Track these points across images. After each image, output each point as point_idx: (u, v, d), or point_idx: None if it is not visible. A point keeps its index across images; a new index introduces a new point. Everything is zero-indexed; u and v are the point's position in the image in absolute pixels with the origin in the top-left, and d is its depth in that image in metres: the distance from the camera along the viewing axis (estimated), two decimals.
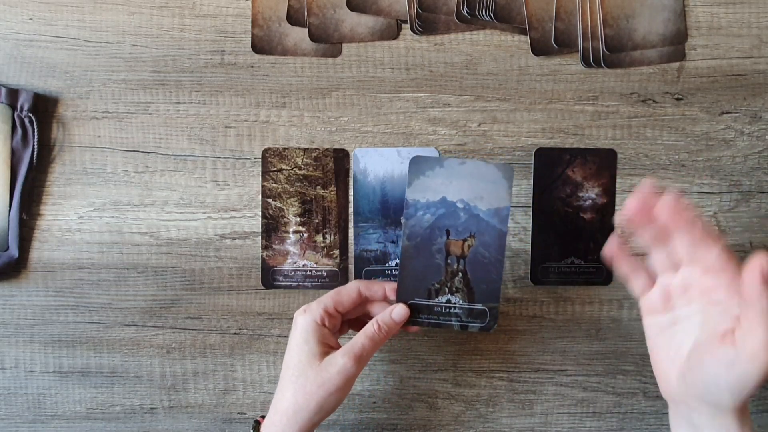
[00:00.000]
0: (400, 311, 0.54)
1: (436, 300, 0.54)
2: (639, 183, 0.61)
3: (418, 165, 0.54)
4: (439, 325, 0.55)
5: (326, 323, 0.53)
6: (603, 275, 0.63)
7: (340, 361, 0.52)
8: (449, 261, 0.54)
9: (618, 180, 0.63)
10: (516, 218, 0.63)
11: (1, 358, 0.63)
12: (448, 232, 0.54)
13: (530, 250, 0.63)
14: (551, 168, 0.62)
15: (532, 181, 0.62)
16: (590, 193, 0.63)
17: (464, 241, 0.54)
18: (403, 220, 0.54)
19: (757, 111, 0.63)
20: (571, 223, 0.63)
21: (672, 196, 0.43)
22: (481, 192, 0.53)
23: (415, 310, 0.55)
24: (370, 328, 0.53)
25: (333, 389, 0.51)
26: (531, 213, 0.62)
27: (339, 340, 0.55)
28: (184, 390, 0.63)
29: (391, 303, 0.55)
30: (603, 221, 0.63)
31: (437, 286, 0.54)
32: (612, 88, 0.62)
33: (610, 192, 0.63)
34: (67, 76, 0.62)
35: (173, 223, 0.63)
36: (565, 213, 0.63)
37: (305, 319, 0.53)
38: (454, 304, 0.54)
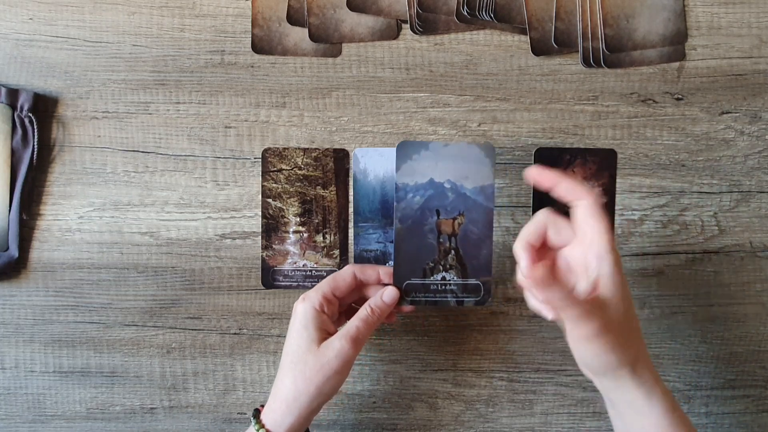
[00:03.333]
0: (390, 293, 0.55)
1: (432, 278, 0.56)
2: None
3: (404, 149, 0.56)
4: (435, 303, 0.56)
5: (325, 309, 0.54)
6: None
7: (337, 344, 0.52)
8: (441, 240, 0.56)
9: (618, 180, 0.63)
10: (516, 218, 0.63)
11: (1, 358, 0.63)
12: (438, 212, 0.56)
13: None
14: (551, 168, 0.62)
15: None
16: None
17: (454, 219, 0.55)
18: (394, 204, 0.55)
19: (757, 111, 0.63)
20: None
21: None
22: (466, 172, 0.55)
23: (411, 290, 0.56)
24: (363, 311, 0.54)
25: (331, 373, 0.52)
26: (531, 213, 0.62)
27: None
28: (184, 390, 0.63)
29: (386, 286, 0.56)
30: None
31: (431, 264, 0.56)
32: (612, 88, 0.62)
33: (610, 192, 0.63)
34: (67, 76, 0.62)
35: (173, 223, 0.63)
36: (565, 213, 0.62)
37: (304, 307, 0.54)
38: (449, 281, 0.56)
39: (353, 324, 0.54)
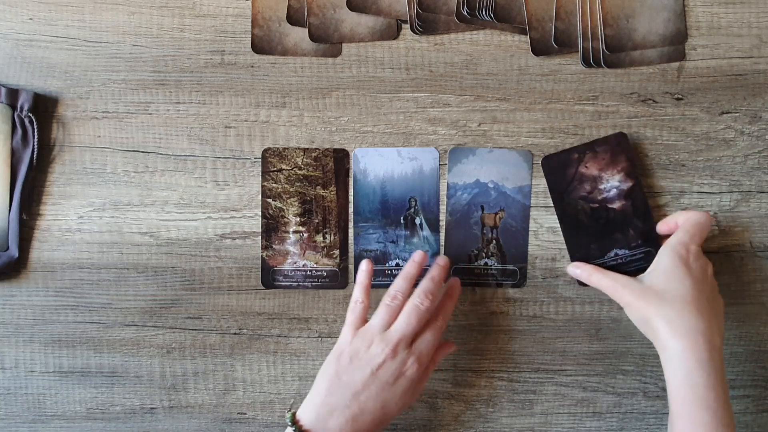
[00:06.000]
0: (451, 350, 0.61)
1: (476, 263, 0.63)
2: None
3: (455, 154, 0.63)
4: (479, 284, 0.63)
5: None
6: (651, 259, 0.59)
7: (415, 397, 0.57)
8: (484, 231, 0.63)
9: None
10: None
11: (1, 358, 0.63)
12: (482, 208, 0.63)
13: (568, 256, 0.63)
14: (562, 171, 0.62)
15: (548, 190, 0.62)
16: (612, 182, 0.62)
17: (496, 214, 0.63)
18: (444, 200, 0.63)
19: (757, 111, 0.63)
20: (602, 218, 0.62)
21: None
22: (507, 174, 0.63)
23: (458, 273, 0.63)
24: (431, 367, 0.58)
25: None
26: (557, 219, 0.62)
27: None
28: (184, 390, 0.63)
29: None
30: (635, 204, 0.61)
31: (476, 251, 0.63)
32: (612, 88, 0.62)
33: (632, 174, 0.61)
34: (67, 76, 0.62)
35: (173, 223, 0.63)
36: (591, 210, 0.62)
37: (420, 376, 0.55)
38: (491, 266, 0.63)
39: (424, 379, 0.57)
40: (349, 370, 0.54)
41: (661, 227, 0.61)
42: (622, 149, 0.61)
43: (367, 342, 0.54)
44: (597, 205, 0.62)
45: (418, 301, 0.55)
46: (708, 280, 0.56)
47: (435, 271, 0.58)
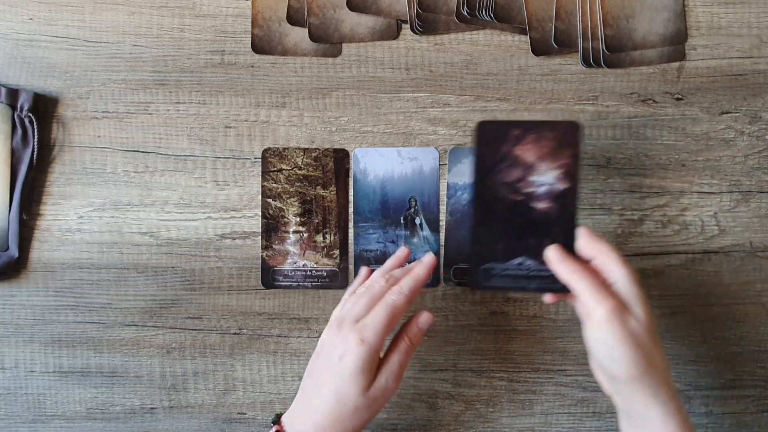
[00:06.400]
0: (425, 319, 0.54)
1: None
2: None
3: (455, 155, 0.63)
4: None
5: (379, 348, 0.51)
6: (558, 283, 0.49)
7: (384, 383, 0.51)
8: None
9: (617, 180, 0.63)
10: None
11: (1, 358, 0.63)
12: None
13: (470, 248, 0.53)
14: (495, 146, 0.51)
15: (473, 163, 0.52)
16: (546, 177, 0.51)
17: None
18: (444, 200, 0.63)
19: (757, 111, 0.63)
20: (521, 215, 0.51)
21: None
22: None
23: (459, 273, 0.63)
24: (402, 344, 0.53)
25: (377, 410, 0.51)
26: (472, 203, 0.52)
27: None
28: (184, 390, 0.63)
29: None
30: (563, 212, 0.50)
31: None
32: (612, 88, 0.62)
33: (572, 175, 0.50)
34: (67, 76, 0.62)
35: (173, 223, 0.63)
36: (512, 203, 0.51)
37: (365, 351, 0.50)
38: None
39: (395, 360, 0.52)
40: (314, 361, 0.53)
41: (584, 250, 0.49)
42: (570, 142, 0.50)
43: (326, 331, 0.53)
44: (520, 198, 0.51)
45: (373, 280, 0.53)
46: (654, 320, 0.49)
47: (414, 264, 0.55)
